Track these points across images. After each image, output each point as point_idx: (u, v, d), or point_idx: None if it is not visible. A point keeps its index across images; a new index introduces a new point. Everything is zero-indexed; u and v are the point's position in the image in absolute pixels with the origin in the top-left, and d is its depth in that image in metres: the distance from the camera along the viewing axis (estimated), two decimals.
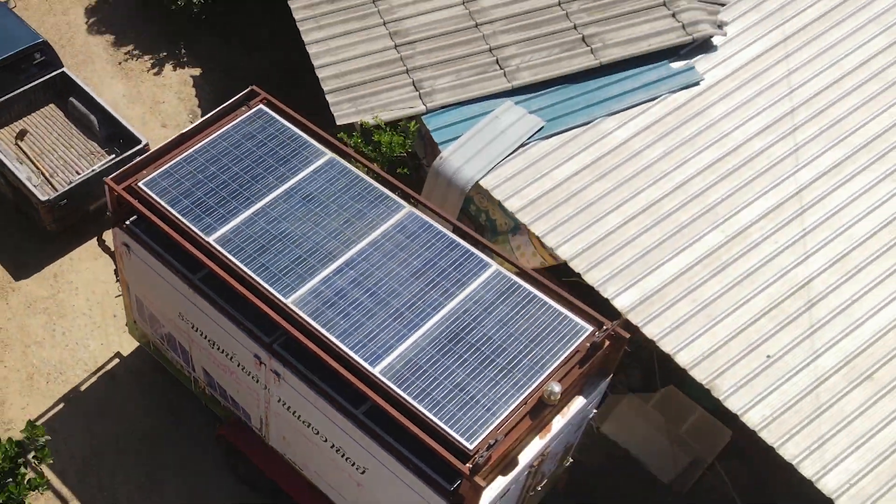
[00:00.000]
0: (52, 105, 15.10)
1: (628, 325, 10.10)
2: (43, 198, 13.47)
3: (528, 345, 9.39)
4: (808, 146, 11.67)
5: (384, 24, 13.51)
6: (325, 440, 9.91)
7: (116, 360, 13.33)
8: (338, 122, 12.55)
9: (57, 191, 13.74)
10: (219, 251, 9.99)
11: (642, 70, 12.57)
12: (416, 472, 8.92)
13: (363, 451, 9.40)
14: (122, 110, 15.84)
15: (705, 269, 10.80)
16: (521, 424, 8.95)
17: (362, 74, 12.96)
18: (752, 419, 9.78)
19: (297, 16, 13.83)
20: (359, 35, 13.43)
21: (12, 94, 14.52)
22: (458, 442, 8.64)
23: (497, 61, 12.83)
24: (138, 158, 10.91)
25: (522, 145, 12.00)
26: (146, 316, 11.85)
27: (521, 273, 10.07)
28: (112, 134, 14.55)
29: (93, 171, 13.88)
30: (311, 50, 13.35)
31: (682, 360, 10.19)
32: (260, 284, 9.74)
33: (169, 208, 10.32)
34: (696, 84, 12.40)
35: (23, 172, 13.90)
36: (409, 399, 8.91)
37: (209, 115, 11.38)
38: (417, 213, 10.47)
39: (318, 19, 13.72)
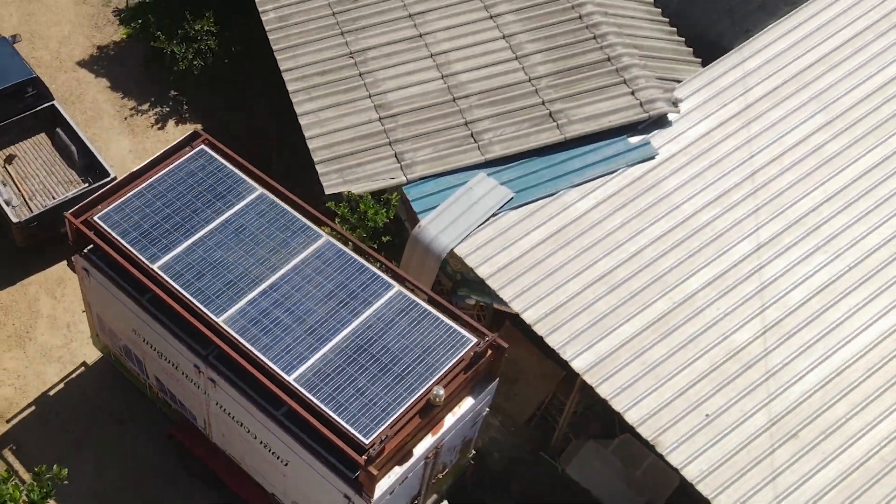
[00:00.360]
0: (42, 134, 16.70)
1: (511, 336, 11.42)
2: (15, 219, 15.10)
3: (420, 354, 11.01)
4: (749, 219, 12.94)
5: (370, 96, 14.77)
6: (255, 437, 11.60)
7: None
8: (326, 192, 13.79)
9: (31, 213, 15.31)
10: (162, 277, 11.65)
11: (603, 145, 13.83)
12: (325, 464, 10.62)
13: (284, 447, 11.12)
14: (129, 166, 17.09)
15: (654, 333, 12.07)
16: (412, 422, 10.55)
17: (349, 146, 14.21)
18: (690, 472, 11.05)
19: (290, 87, 15.08)
20: (346, 107, 14.68)
21: (4, 122, 16.14)
22: (356, 437, 10.29)
23: (472, 135, 14.10)
24: (97, 194, 12.50)
25: (493, 215, 13.26)
26: (106, 330, 13.53)
27: (419, 292, 11.65)
28: (89, 164, 16.06)
29: (64, 198, 15.40)
30: (302, 121, 14.60)
31: (631, 417, 11.47)
32: (196, 306, 11.38)
33: (119, 239, 12.01)
34: (652, 158, 13.67)
35: (4, 193, 15.47)
36: (317, 402, 10.58)
37: (157, 155, 12.91)
38: (333, 241, 12.08)
39: (308, 91, 14.98)
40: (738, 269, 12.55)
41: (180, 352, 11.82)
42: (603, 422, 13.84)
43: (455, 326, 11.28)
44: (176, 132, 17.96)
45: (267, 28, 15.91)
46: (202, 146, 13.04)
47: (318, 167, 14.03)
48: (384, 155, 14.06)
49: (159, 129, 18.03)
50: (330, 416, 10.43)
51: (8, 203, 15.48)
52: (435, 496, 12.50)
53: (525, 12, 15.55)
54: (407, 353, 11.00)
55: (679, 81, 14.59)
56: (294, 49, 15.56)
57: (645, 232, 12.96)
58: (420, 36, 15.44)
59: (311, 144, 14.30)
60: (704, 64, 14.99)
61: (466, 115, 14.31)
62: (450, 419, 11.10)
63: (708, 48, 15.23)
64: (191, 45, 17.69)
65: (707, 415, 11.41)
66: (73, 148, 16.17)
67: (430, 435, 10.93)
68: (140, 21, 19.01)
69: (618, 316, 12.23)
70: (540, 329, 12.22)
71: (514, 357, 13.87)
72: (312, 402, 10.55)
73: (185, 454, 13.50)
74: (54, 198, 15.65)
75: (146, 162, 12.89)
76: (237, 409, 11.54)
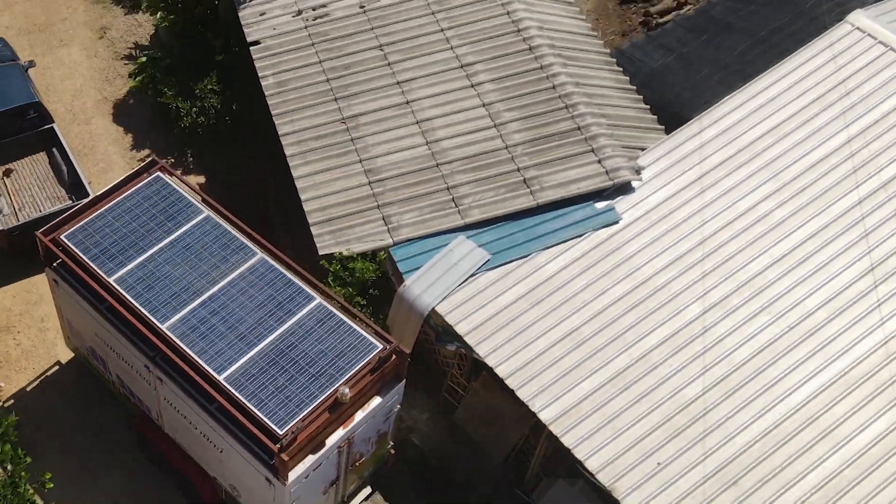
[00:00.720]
0: (42, 153, 18.50)
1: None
2: (1, 227, 16.90)
3: (333, 358, 12.70)
4: (701, 281, 14.33)
5: (360, 161, 16.16)
6: (196, 428, 13.29)
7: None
8: (320, 253, 15.18)
9: (18, 222, 17.11)
10: (116, 289, 13.41)
11: (571, 210, 15.22)
12: (250, 452, 12.41)
13: (219, 437, 12.82)
14: None
15: (613, 387, 13.46)
16: (321, 417, 12.21)
17: (341, 209, 15.59)
18: None
19: (287, 151, 16.47)
20: (339, 171, 16.07)
21: (6, 139, 18.06)
22: (273, 429, 12.00)
23: (453, 199, 15.49)
24: (64, 215, 14.26)
25: (472, 275, 14.64)
26: (75, 333, 15.27)
27: (336, 303, 13.32)
28: (76, 183, 17.74)
29: (47, 212, 17.20)
30: (298, 185, 15.98)
31: (591, 465, 12.88)
32: (145, 314, 13.12)
33: (82, 255, 13.79)
34: (616, 223, 15.05)
35: None
36: (242, 398, 12.33)
37: (118, 180, 14.67)
38: (266, 258, 13.75)
39: (304, 155, 16.37)
40: (690, 328, 13.94)
41: (133, 354, 13.59)
42: (571, 463, 15.21)
43: (365, 334, 13.03)
44: None
45: (266, 93, 17.30)
46: (158, 173, 14.87)
47: (312, 229, 15.41)
48: (373, 218, 15.44)
49: None
50: (252, 411, 12.24)
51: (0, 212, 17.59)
52: (358, 481, 14.34)
53: (503, 81, 16.95)
54: (321, 357, 12.75)
55: (643, 149, 15.97)
56: (291, 114, 16.95)
57: (608, 292, 14.34)
58: (407, 103, 16.82)
59: (306, 207, 15.67)
60: (668, 131, 16.38)
61: (448, 180, 15.69)
62: (359, 415, 12.85)
63: (671, 116, 16.61)
64: (195, 102, 19.06)
65: (659, 463, 12.80)
66: (64, 168, 18.07)
67: (340, 428, 12.69)
68: (146, 75, 20.40)
69: (581, 371, 13.62)
70: (511, 382, 13.60)
71: (492, 402, 15.30)
72: (238, 398, 12.36)
73: (143, 442, 15.37)
74: (40, 211, 17.51)
75: (109, 186, 14.71)
76: (180, 403, 13.27)
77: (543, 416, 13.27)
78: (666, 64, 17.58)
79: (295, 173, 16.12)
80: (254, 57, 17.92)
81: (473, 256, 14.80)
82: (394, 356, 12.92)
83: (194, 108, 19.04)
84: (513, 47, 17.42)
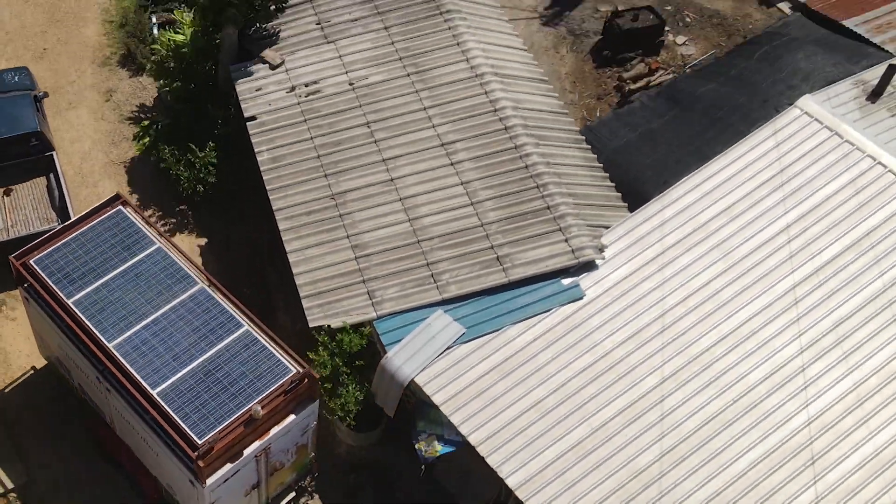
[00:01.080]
0: (41, 178, 20.49)
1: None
2: None
3: (252, 379, 14.55)
4: (657, 355, 15.80)
5: (347, 237, 17.61)
6: (138, 434, 15.10)
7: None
8: (310, 325, 16.63)
9: (6, 238, 19.20)
10: (73, 310, 15.31)
11: (540, 286, 16.68)
12: (177, 457, 14.23)
13: (154, 443, 14.64)
14: None
15: (574, 455, 14.93)
16: (237, 430, 14.09)
17: (329, 283, 17.05)
18: None
19: (280, 226, 17.91)
20: (328, 246, 17.52)
21: (9, 162, 20.11)
22: (193, 439, 13.91)
23: (432, 275, 16.94)
24: (37, 241, 16.21)
25: (448, 348, 16.10)
26: (45, 344, 17.24)
27: (261, 330, 15.16)
28: (65, 207, 19.69)
29: (36, 231, 19.21)
30: (290, 258, 17.43)
31: None
32: (95, 333, 15.02)
33: (46, 279, 15.73)
34: (580, 298, 16.52)
35: None
36: (170, 411, 14.25)
37: (85, 212, 16.63)
38: (206, 287, 15.61)
39: (297, 230, 17.81)
40: (645, 399, 15.41)
41: (87, 366, 15.45)
42: None
43: (282, 359, 14.82)
44: (184, 244, 20.69)
45: (261, 168, 18.75)
46: (119, 207, 16.76)
47: (303, 302, 16.85)
48: (359, 292, 16.90)
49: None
50: (177, 423, 14.14)
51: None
52: (281, 486, 16.35)
53: (481, 160, 18.41)
54: (242, 377, 14.61)
55: (607, 227, 17.43)
56: (285, 189, 18.40)
57: (571, 365, 15.81)
58: (392, 180, 18.28)
59: (298, 281, 17.13)
60: (631, 209, 17.83)
61: (428, 256, 17.15)
62: (275, 429, 14.66)
63: (634, 194, 18.06)
64: (194, 172, 20.51)
65: None
66: (57, 193, 19.98)
67: (257, 441, 14.51)
68: (150, 139, 21.85)
69: (546, 439, 15.08)
70: (482, 450, 15.07)
71: (469, 460, 16.77)
72: (166, 410, 14.27)
73: (98, 442, 17.29)
74: (30, 229, 19.52)
75: (76, 217, 16.69)
76: (125, 411, 15.07)
77: (510, 483, 14.74)
78: (630, 142, 19.02)
79: (288, 248, 17.56)
80: (250, 132, 19.37)
81: (450, 330, 16.25)
82: (306, 380, 14.69)
83: (193, 178, 20.45)
84: (490, 126, 18.88)
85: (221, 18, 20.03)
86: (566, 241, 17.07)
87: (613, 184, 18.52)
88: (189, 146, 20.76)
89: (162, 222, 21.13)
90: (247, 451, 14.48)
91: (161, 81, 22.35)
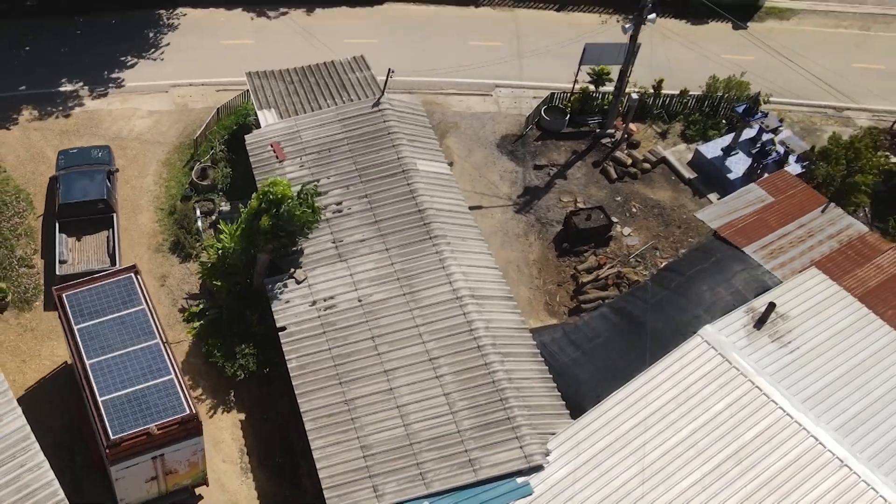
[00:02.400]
0: (104, 231, 28.94)
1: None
2: (57, 272, 27.56)
3: (161, 409, 21.90)
4: None
5: (357, 437, 23.34)
6: (91, 419, 22.65)
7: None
8: None
9: (66, 273, 27.44)
10: (75, 332, 23.08)
11: (499, 484, 22.42)
12: (102, 442, 21.68)
13: (96, 429, 22.27)
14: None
15: None
16: (139, 438, 21.55)
17: (344, 477, 22.72)
18: None
19: (307, 426, 23.61)
20: (343, 446, 23.23)
21: (83, 217, 28.62)
22: (109, 434, 21.42)
23: (420, 473, 22.68)
24: (74, 281, 24.21)
25: None
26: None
27: (179, 380, 22.32)
28: (114, 255, 27.48)
29: (93, 269, 27.32)
30: (315, 456, 23.13)
31: None
32: (81, 351, 22.68)
33: (68, 308, 23.56)
34: (530, 495, 22.25)
35: (65, 255, 28.12)
36: (104, 413, 21.71)
37: (108, 272, 24.35)
38: (159, 342, 23.03)
39: (319, 430, 23.50)
40: None
41: (77, 369, 22.94)
42: None
43: (184, 402, 22.01)
44: (227, 419, 26.46)
45: (291, 375, 24.49)
46: (131, 274, 24.30)
47: (325, 493, 22.56)
48: (366, 486, 22.62)
49: (210, 416, 26.53)
50: (105, 421, 21.60)
51: (62, 261, 27.81)
52: (179, 486, 23.29)
53: (459, 374, 24.18)
54: (155, 406, 21.92)
55: (553, 433, 23.19)
56: (310, 394, 24.16)
57: None
58: (391, 390, 24.04)
59: (321, 475, 22.85)
60: (573, 416, 23.56)
61: (418, 457, 22.90)
62: (171, 446, 22.03)
63: (575, 406, 23.82)
64: (236, 361, 26.29)
65: None
66: (112, 244, 27.98)
67: (154, 449, 21.84)
68: (199, 327, 27.61)
69: None
70: None
71: None
72: (102, 412, 21.75)
73: (77, 417, 24.39)
74: (89, 267, 27.74)
75: (101, 273, 24.45)
76: (86, 403, 22.53)
77: None
78: (574, 359, 24.78)
79: (312, 446, 23.30)
80: (282, 341, 25.14)
81: None
82: (192, 420, 21.85)
83: (236, 365, 26.23)
84: (467, 345, 24.66)
85: (259, 249, 25.81)
86: (521, 448, 22.82)
87: (560, 394, 24.27)
88: (232, 336, 26.50)
89: (209, 400, 26.82)
90: (146, 454, 21.83)
91: (209, 280, 28.09)
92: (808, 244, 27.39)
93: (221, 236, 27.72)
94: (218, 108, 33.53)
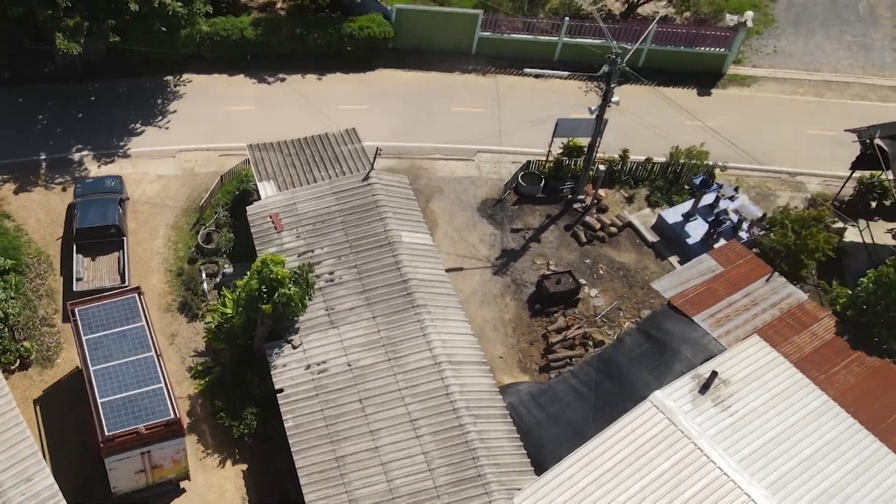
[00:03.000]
0: (115, 252, 33.31)
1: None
2: (74, 288, 31.88)
3: (149, 412, 26.18)
4: None
5: (346, 492, 26.43)
6: (92, 416, 26.74)
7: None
8: None
9: (81, 288, 31.79)
10: (84, 342, 27.59)
11: None
12: (101, 441, 25.99)
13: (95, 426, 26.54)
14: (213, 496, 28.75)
15: None
16: (129, 436, 25.92)
17: None
18: None
19: (302, 482, 26.69)
20: (333, 500, 26.29)
21: (97, 241, 32.95)
22: (105, 431, 25.86)
23: None
24: (85, 298, 29.21)
25: None
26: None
27: (168, 388, 26.52)
28: (123, 272, 31.57)
29: (105, 286, 31.72)
30: None
31: None
32: (87, 359, 27.12)
33: (79, 321, 28.07)
34: None
35: (81, 273, 32.43)
36: (102, 413, 26.07)
37: (114, 291, 28.89)
38: (154, 355, 27.43)
39: (313, 485, 26.60)
40: None
41: (85, 376, 27.10)
42: None
43: (168, 406, 26.34)
44: (232, 470, 29.57)
45: (287, 434, 27.60)
46: (135, 295, 28.79)
47: None
48: None
49: (221, 468, 29.65)
50: (102, 420, 25.89)
51: (78, 279, 32.08)
52: (165, 479, 27.58)
53: (437, 434, 27.29)
54: (144, 409, 26.20)
55: (519, 489, 26.30)
56: (304, 451, 27.26)
57: None
58: (376, 448, 27.15)
59: None
60: (537, 473, 26.67)
61: None
62: (156, 445, 26.25)
63: (538, 464, 26.95)
64: (242, 420, 29.39)
65: None
66: (122, 264, 32.67)
67: (142, 445, 26.05)
68: (206, 383, 30.69)
69: None
70: None
71: None
72: (101, 412, 26.05)
73: (82, 413, 28.15)
74: (102, 284, 32.10)
75: (111, 292, 28.59)
76: (90, 403, 26.77)
77: None
78: (539, 420, 27.90)
79: (307, 499, 26.38)
80: (279, 402, 28.24)
81: None
82: (176, 423, 26.14)
83: (242, 425, 29.34)
84: (444, 407, 27.78)
85: (258, 319, 28.93)
86: (490, 502, 25.95)
87: (526, 452, 27.40)
88: (236, 396, 29.61)
89: (217, 454, 29.88)
90: (135, 449, 26.08)
91: (213, 343, 31.20)
92: (752, 312, 30.51)
93: (225, 300, 30.80)
94: (221, 176, 36.64)
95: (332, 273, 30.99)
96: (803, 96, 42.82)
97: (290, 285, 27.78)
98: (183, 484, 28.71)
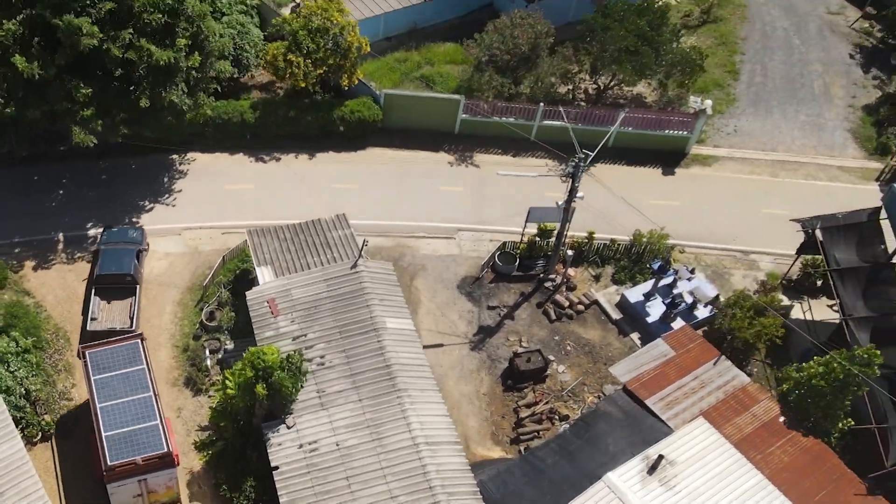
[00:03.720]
0: (129, 298, 37.79)
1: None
2: (88, 328, 36.59)
3: (145, 445, 30.73)
4: None
5: None
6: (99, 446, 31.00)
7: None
8: None
9: (94, 329, 36.38)
10: (92, 382, 32.05)
11: None
12: (104, 470, 30.43)
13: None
14: None
15: None
16: (128, 466, 30.50)
17: None
18: None
19: None
20: None
21: (116, 286, 37.54)
22: (107, 461, 30.35)
23: None
24: (100, 341, 33.98)
25: None
26: None
27: (162, 423, 30.90)
28: (133, 316, 36.07)
29: (115, 327, 36.45)
30: None
31: None
32: (94, 396, 31.71)
33: (88, 362, 32.62)
34: None
35: (96, 313, 37.06)
36: (105, 445, 30.67)
37: (122, 336, 33.47)
38: (151, 395, 31.85)
39: None
40: None
41: (92, 411, 31.53)
42: None
43: (162, 439, 30.64)
44: None
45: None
46: (137, 341, 33.16)
47: None
48: None
49: None
50: (105, 451, 30.33)
51: (93, 318, 36.60)
52: (158, 502, 31.81)
53: None
54: (143, 443, 30.63)
55: None
56: None
57: None
58: None
59: None
60: None
61: None
62: (151, 473, 30.67)
63: None
64: (242, 493, 32.88)
65: None
66: (133, 309, 37.14)
67: (139, 474, 30.47)
68: (209, 454, 34.18)
69: None
70: None
71: None
72: (104, 444, 30.46)
73: (89, 441, 32.34)
74: (113, 326, 36.61)
75: (119, 336, 33.22)
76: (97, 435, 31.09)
77: None
78: (504, 496, 31.43)
79: None
80: (275, 478, 31.75)
81: None
82: (168, 455, 30.41)
83: (241, 497, 32.84)
84: (421, 485, 31.24)
85: (255, 402, 32.47)
86: None
87: None
88: (237, 470, 33.12)
89: None
90: (134, 476, 30.45)
91: (216, 420, 34.69)
92: (699, 395, 34.08)
93: (227, 382, 34.27)
94: (224, 256, 40.16)
95: (323, 357, 34.48)
96: (759, 175, 46.33)
97: (279, 372, 31.20)
98: None
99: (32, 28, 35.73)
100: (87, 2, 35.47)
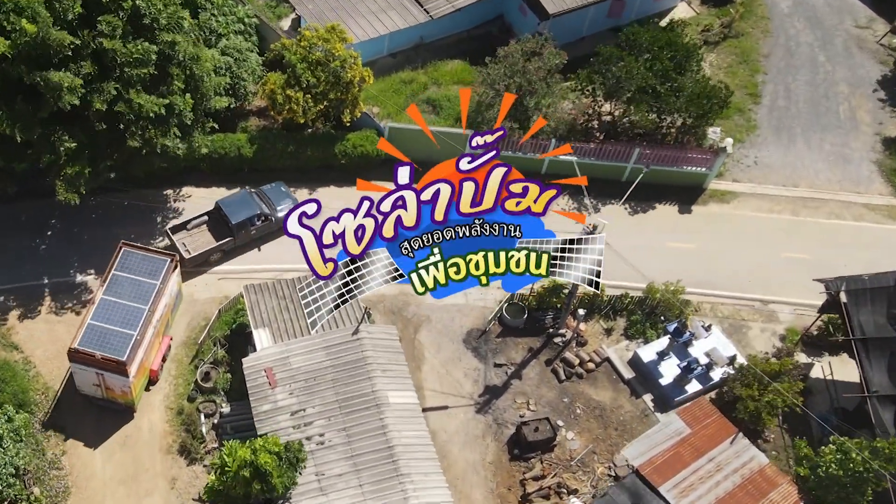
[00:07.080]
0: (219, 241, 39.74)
1: None
2: (185, 255, 39.00)
3: (112, 348, 33.13)
4: None
5: None
6: None
7: None
8: None
9: (190, 255, 38.97)
10: (109, 277, 34.54)
11: None
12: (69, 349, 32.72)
13: None
14: None
15: None
16: (88, 356, 33.22)
17: None
18: None
19: None
20: None
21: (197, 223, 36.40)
22: (74, 346, 32.95)
23: None
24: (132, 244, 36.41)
25: None
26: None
27: (138, 334, 32.08)
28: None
29: (202, 251, 39.23)
30: None
31: None
32: (102, 288, 34.24)
33: (118, 259, 35.12)
34: None
35: (188, 244, 39.39)
36: (81, 333, 33.57)
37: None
38: (145, 310, 33.78)
39: None
40: None
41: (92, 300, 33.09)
42: None
43: (127, 347, 32.76)
44: None
45: None
46: (167, 259, 35.16)
47: None
48: None
49: None
50: (79, 337, 33.29)
51: (184, 245, 38.90)
52: (115, 400, 34.47)
53: None
54: (111, 344, 33.17)
55: None
56: None
57: None
58: None
59: None
60: None
61: None
62: (105, 371, 33.34)
63: None
64: None
65: None
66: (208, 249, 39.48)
67: (95, 367, 33.39)
68: None
69: None
70: None
71: None
72: (82, 330, 33.44)
73: None
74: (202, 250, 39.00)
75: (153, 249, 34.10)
76: None
77: None
78: None
79: None
80: None
81: None
82: (122, 364, 32.55)
83: None
84: None
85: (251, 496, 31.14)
86: None
87: None
88: None
89: None
90: (90, 367, 33.15)
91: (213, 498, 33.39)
92: (715, 479, 32.70)
93: (225, 459, 32.89)
94: (220, 309, 38.46)
95: (322, 435, 33.06)
96: (780, 214, 44.18)
97: (277, 478, 29.79)
98: None
99: (14, 83, 33.54)
100: (69, 55, 33.16)
